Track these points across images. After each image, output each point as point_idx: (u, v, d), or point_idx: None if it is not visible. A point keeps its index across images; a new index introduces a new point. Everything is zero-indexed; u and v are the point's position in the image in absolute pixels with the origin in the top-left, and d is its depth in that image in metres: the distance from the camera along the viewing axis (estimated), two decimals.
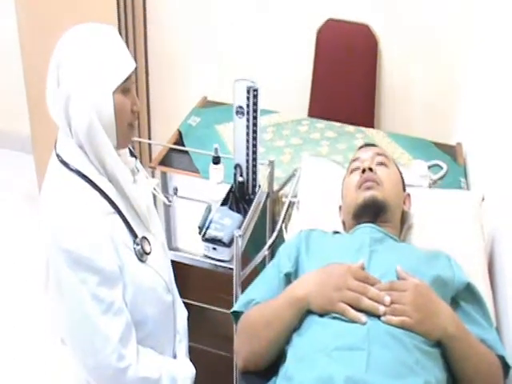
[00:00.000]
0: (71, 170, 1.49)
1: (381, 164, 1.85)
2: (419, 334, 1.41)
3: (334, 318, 1.44)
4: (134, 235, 1.56)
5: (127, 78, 1.49)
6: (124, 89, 1.49)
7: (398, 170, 1.92)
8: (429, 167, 2.67)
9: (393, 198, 1.79)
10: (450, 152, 2.84)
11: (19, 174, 4.12)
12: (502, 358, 1.55)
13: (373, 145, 2.01)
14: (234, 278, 2.11)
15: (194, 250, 2.25)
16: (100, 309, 1.47)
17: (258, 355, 1.59)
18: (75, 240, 1.43)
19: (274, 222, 2.56)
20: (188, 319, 1.89)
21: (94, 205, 1.49)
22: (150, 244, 1.60)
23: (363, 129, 3.01)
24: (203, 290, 2.50)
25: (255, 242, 2.45)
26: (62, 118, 1.48)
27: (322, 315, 1.47)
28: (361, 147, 2.01)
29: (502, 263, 1.91)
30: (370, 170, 1.80)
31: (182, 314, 1.87)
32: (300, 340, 1.49)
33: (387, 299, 1.43)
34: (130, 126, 1.56)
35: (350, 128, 3.01)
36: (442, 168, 2.70)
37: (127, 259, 1.53)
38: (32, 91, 3.52)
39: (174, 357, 1.80)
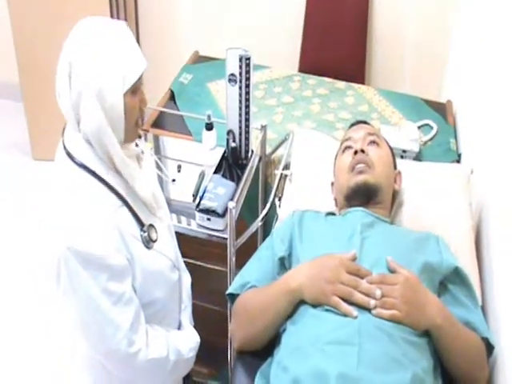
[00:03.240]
0: (77, 164, 1.51)
1: (372, 143, 1.88)
2: (408, 326, 1.48)
3: (327, 310, 1.50)
4: (141, 224, 1.60)
5: (138, 79, 1.50)
6: (134, 89, 1.50)
7: (390, 147, 1.95)
8: (419, 127, 2.70)
9: (384, 180, 1.82)
10: (440, 110, 2.86)
11: (9, 121, 4.11)
12: (485, 339, 1.63)
13: (365, 122, 2.03)
14: (228, 247, 2.16)
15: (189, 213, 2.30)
16: (111, 301, 1.52)
17: (253, 339, 1.66)
18: (85, 240, 1.47)
19: (266, 185, 2.60)
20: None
21: (102, 201, 1.52)
22: (156, 231, 1.63)
23: (354, 85, 3.01)
24: (197, 246, 2.55)
25: (248, 205, 2.50)
26: (71, 115, 1.48)
27: (315, 306, 1.53)
28: (352, 125, 2.03)
29: (489, 237, 1.96)
30: (362, 151, 1.83)
31: (187, 282, 1.95)
32: (294, 329, 1.55)
33: (378, 293, 1.49)
34: (137, 123, 1.58)
35: (341, 84, 3.01)
36: (432, 128, 2.73)
37: (135, 249, 1.57)
38: (19, 40, 3.48)
39: (180, 324, 1.88)
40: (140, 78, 1.51)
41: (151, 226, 1.62)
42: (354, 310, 1.47)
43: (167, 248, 1.72)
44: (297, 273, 1.60)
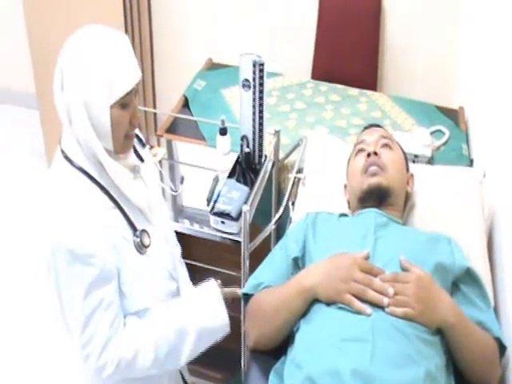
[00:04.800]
0: (74, 166, 1.54)
1: (385, 146, 1.90)
2: (420, 324, 1.49)
3: (341, 308, 1.51)
4: (134, 228, 1.61)
5: (128, 93, 1.49)
6: (123, 103, 1.50)
7: (402, 151, 1.97)
8: (431, 133, 2.71)
9: (397, 183, 1.84)
10: (453, 116, 2.88)
11: (25, 129, 4.16)
12: (498, 339, 1.64)
13: (378, 125, 2.05)
14: (242, 251, 2.17)
15: (202, 220, 2.33)
16: (91, 306, 1.52)
17: (267, 338, 1.68)
18: (72, 237, 1.48)
19: (279, 190, 2.62)
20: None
21: (94, 201, 1.54)
22: (149, 237, 1.64)
23: (367, 92, 3.03)
24: (210, 251, 2.57)
25: (262, 209, 2.52)
26: (65, 118, 1.51)
27: (328, 304, 1.54)
28: (365, 128, 2.05)
29: (501, 241, 1.97)
30: (375, 154, 1.85)
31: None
32: (308, 327, 1.56)
33: (391, 291, 1.50)
34: (127, 136, 1.58)
35: (354, 91, 3.03)
36: (444, 134, 2.75)
37: (126, 253, 1.58)
38: (35, 50, 3.54)
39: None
40: (132, 93, 1.51)
41: (144, 231, 1.63)
42: (367, 308, 1.49)
43: (162, 256, 1.71)
44: (310, 272, 1.62)
